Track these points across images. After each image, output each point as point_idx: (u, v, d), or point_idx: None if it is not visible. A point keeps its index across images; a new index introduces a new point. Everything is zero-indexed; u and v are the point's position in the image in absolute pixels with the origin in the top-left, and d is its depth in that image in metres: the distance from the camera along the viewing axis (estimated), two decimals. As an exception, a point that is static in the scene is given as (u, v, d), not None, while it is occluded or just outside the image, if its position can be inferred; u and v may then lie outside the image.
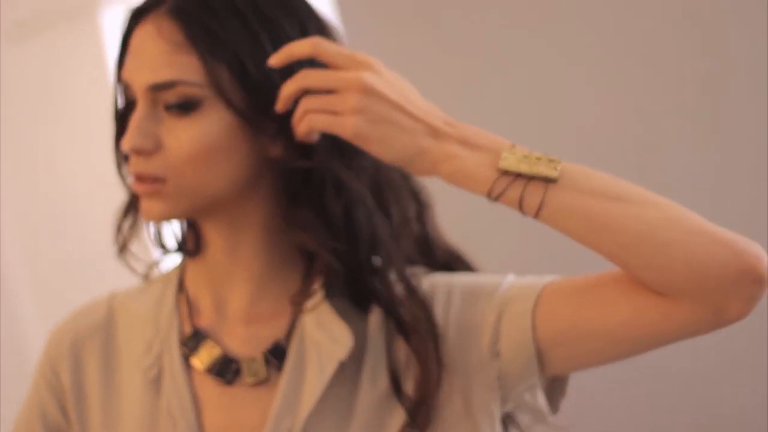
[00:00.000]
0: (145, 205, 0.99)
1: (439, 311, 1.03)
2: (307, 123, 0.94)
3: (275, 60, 0.95)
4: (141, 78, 0.97)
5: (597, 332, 0.95)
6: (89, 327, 1.12)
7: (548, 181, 0.90)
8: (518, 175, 0.90)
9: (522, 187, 0.90)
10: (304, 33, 0.99)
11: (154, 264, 1.13)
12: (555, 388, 1.04)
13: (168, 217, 1.00)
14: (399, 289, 1.03)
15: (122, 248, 1.08)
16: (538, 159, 0.90)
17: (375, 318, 1.05)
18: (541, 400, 1.02)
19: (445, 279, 1.07)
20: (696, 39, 1.88)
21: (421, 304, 1.02)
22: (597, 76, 1.98)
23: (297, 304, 1.03)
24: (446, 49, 2.13)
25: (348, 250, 1.00)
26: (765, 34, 1.80)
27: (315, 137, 0.97)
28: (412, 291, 1.02)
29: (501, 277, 1.04)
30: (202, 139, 0.96)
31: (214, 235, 1.05)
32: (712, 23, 1.86)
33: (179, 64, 0.96)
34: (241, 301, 1.05)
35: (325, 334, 1.02)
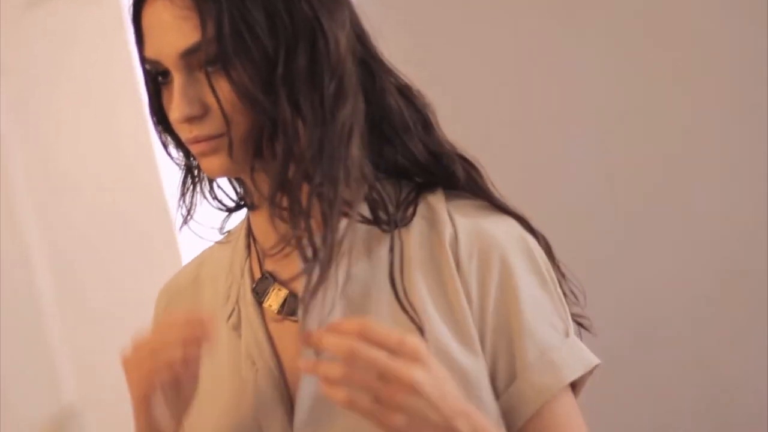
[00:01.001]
0: (206, 162, 1.03)
1: (489, 282, 1.04)
2: (352, 399, 0.93)
3: (333, 347, 0.94)
4: (170, 49, 1.00)
5: None
6: (181, 284, 1.18)
7: None
8: None
9: None
10: None
11: (224, 222, 1.16)
12: None
13: (230, 171, 1.04)
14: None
15: (186, 221, 1.12)
16: None
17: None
18: None
19: (501, 264, 1.05)
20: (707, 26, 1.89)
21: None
22: (605, 64, 2.00)
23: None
24: (460, 43, 2.15)
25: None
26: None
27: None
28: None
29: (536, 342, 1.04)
30: (243, 86, 0.98)
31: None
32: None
33: (199, 25, 0.98)
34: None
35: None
